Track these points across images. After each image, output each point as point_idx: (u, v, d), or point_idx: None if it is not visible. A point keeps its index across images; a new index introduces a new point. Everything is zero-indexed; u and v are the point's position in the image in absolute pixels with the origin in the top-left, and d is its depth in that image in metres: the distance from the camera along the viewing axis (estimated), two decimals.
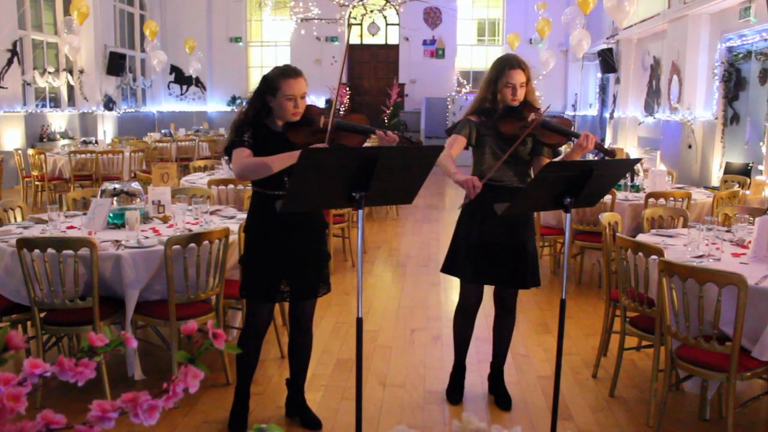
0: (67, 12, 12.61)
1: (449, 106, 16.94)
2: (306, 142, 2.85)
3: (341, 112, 3.12)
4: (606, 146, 3.15)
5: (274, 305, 3.16)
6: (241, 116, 2.97)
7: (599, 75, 15.17)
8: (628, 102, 13.30)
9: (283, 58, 18.37)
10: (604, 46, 14.06)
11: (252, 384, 3.57)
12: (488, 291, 3.48)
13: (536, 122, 3.07)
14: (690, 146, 10.11)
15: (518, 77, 3.14)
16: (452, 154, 3.20)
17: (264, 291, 2.99)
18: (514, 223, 3.21)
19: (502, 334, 3.49)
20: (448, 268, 3.39)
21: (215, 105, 18.30)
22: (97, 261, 3.20)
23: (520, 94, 3.17)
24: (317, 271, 3.06)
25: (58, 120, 13.40)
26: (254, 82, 18.22)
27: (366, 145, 2.83)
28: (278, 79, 2.84)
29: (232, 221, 4.06)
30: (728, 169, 8.79)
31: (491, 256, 3.23)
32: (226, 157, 3.00)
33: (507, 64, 3.17)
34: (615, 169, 2.97)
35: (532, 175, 3.37)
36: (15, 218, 4.31)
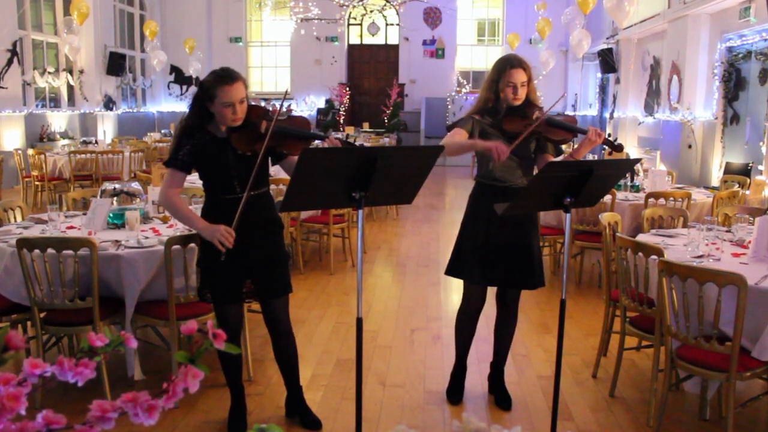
0: (67, 12, 12.62)
1: (449, 106, 16.95)
2: (249, 149, 2.83)
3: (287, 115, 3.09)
4: (614, 141, 3.17)
5: (242, 305, 3.14)
6: (183, 123, 2.93)
7: (599, 75, 15.18)
8: (628, 102, 13.30)
9: (283, 58, 18.40)
10: (604, 46, 14.06)
11: (252, 384, 3.59)
12: (490, 291, 3.48)
13: (542, 119, 3.08)
14: (690, 146, 10.11)
15: (519, 77, 3.14)
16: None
17: (226, 292, 2.99)
18: (519, 223, 3.20)
19: (504, 335, 3.48)
20: (453, 270, 3.36)
21: None
22: (97, 261, 3.20)
23: (522, 93, 3.17)
24: (278, 270, 3.04)
25: (58, 120, 13.40)
26: (254, 82, 18.35)
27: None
28: (213, 87, 2.77)
29: None
30: (728, 169, 8.79)
31: (498, 258, 3.22)
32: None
33: (508, 63, 3.16)
34: (615, 169, 2.98)
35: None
36: (15, 218, 4.31)
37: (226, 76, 2.79)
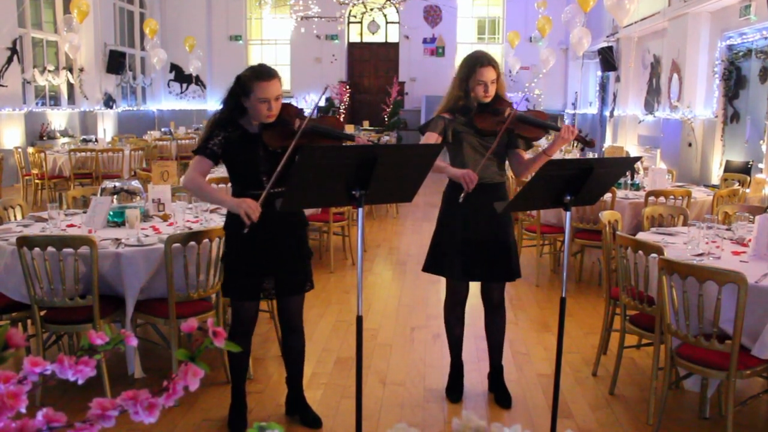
0: (67, 10, 12.60)
1: None
2: (280, 146, 2.83)
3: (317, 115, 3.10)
4: (586, 137, 3.22)
5: (259, 302, 3.15)
6: (215, 116, 2.95)
7: (599, 73, 15.16)
8: (628, 100, 13.30)
9: (283, 56, 18.38)
10: (605, 45, 14.05)
11: (252, 382, 3.59)
12: (476, 290, 3.49)
13: (513, 117, 3.13)
14: (690, 144, 10.11)
15: (489, 75, 3.19)
16: None
17: (246, 289, 2.99)
18: (494, 218, 3.23)
19: (494, 331, 3.50)
20: (430, 266, 3.41)
21: (215, 103, 18.22)
22: (97, 259, 3.20)
23: (491, 90, 3.22)
24: (300, 268, 3.05)
25: (58, 118, 13.39)
26: None
27: None
28: (251, 82, 2.79)
29: None
30: (728, 168, 8.79)
31: (475, 253, 3.27)
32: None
33: (477, 62, 3.20)
34: (615, 168, 2.98)
35: (507, 169, 3.43)
36: (15, 216, 4.31)
37: (263, 72, 2.81)
